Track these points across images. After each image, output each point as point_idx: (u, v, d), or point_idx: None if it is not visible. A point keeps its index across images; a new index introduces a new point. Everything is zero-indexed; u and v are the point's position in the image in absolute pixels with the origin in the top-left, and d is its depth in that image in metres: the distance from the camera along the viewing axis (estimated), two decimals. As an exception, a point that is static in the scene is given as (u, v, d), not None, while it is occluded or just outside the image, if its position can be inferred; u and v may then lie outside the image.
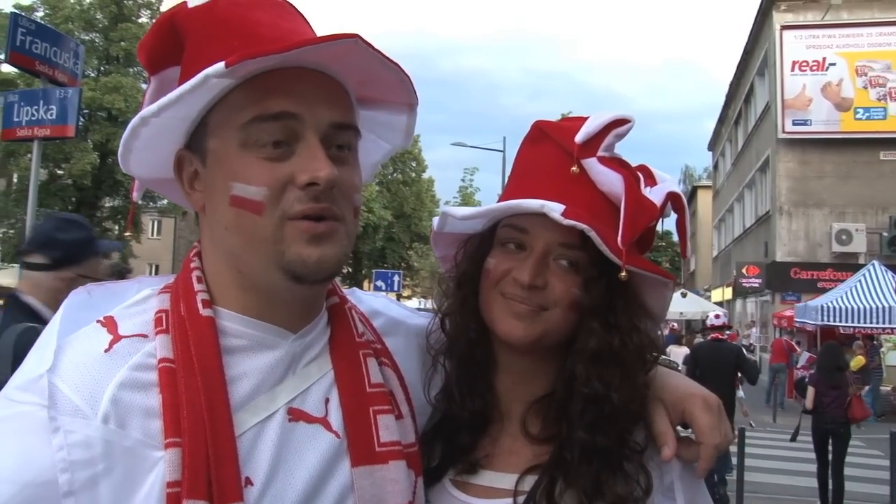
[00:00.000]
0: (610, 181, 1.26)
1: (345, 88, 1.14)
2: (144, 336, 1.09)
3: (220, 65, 0.99)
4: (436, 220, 1.48)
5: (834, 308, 17.20)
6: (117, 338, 1.07)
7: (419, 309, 1.60)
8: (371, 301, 1.43)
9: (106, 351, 1.05)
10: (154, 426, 1.01)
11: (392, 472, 1.13)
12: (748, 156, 31.16)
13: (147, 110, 1.06)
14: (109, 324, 1.10)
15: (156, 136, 1.11)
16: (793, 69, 24.69)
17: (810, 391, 9.17)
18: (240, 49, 1.03)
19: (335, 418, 1.15)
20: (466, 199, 41.99)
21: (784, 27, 25.00)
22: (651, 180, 1.34)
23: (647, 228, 1.33)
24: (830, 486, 8.92)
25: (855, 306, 17.06)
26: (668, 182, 1.35)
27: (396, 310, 1.46)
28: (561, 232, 1.25)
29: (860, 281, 17.93)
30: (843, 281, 19.95)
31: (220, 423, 1.03)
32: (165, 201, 34.51)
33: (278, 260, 1.06)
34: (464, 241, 1.44)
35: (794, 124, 24.50)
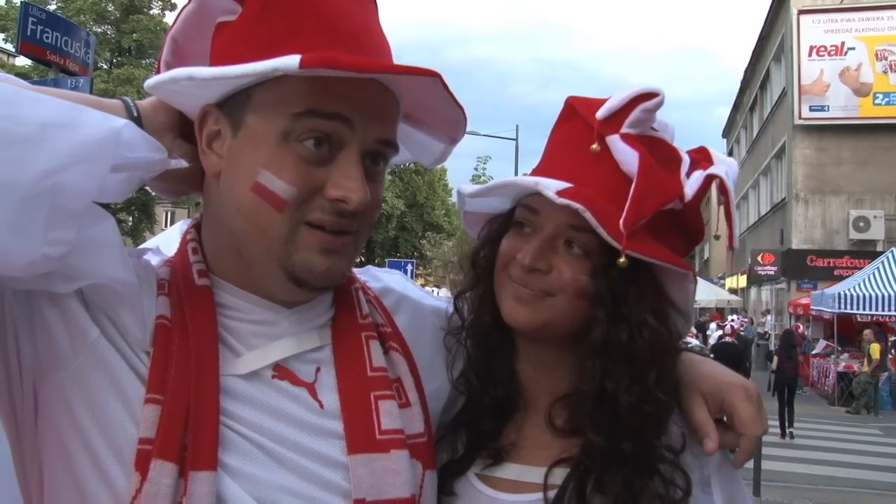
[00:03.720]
0: (629, 160, 1.18)
1: (398, 104, 1.11)
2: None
3: (295, 63, 0.93)
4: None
5: (851, 296, 17.08)
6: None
7: None
8: (386, 278, 1.38)
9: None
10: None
11: (393, 462, 1.07)
12: (763, 143, 30.86)
13: (200, 73, 1.01)
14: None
15: (190, 89, 1.06)
16: (810, 54, 24.38)
17: (775, 359, 15.12)
18: (311, 35, 1.02)
19: (325, 391, 1.11)
20: (479, 188, 41.57)
21: (801, 11, 24.67)
22: (707, 163, 1.26)
23: (690, 218, 1.25)
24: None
25: (873, 294, 16.94)
26: (722, 164, 1.26)
27: (412, 289, 1.41)
28: (571, 214, 1.17)
29: (878, 268, 17.79)
30: (860, 268, 19.80)
31: (207, 388, 1.01)
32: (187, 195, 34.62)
33: (284, 260, 1.04)
34: (488, 220, 1.38)
35: (811, 110, 24.24)
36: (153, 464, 0.95)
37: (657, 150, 1.22)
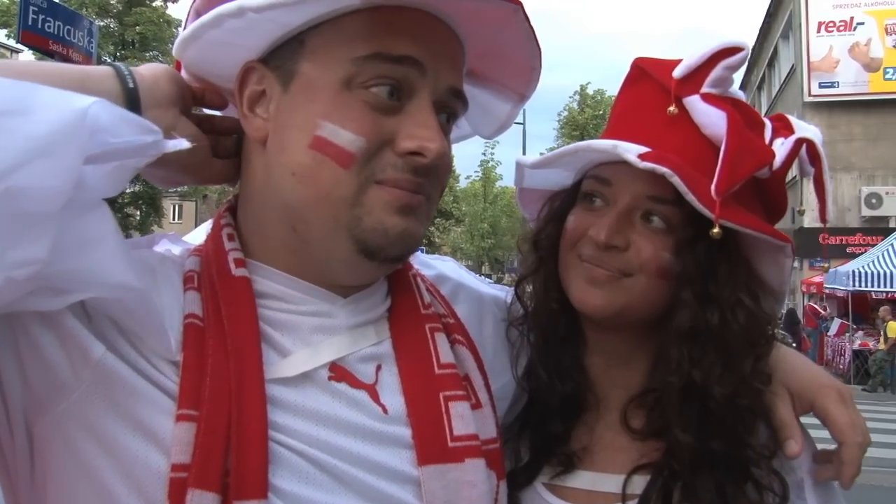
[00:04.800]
0: (713, 122, 1.06)
1: (464, 53, 0.98)
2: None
3: None
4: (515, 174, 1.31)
5: (865, 273, 16.91)
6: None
7: None
8: (439, 265, 1.24)
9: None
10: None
11: (469, 474, 0.93)
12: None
13: (249, 2, 0.86)
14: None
15: (236, 35, 0.92)
16: (819, 30, 24.04)
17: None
18: None
19: (388, 393, 0.96)
20: (487, 172, 41.69)
21: (809, -13, 24.32)
22: (787, 131, 1.14)
23: (774, 188, 1.13)
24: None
25: (887, 271, 16.77)
26: (806, 131, 1.14)
27: (467, 276, 1.28)
28: (650, 183, 1.05)
29: (892, 245, 17.62)
30: (873, 245, 19.64)
31: (251, 397, 0.86)
32: (186, 186, 34.61)
33: (353, 227, 0.90)
34: (549, 197, 1.25)
35: (820, 87, 23.92)
36: (190, 495, 0.79)
37: (742, 112, 1.10)
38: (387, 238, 0.91)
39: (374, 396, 0.95)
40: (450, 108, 0.97)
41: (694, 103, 1.08)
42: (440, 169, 0.94)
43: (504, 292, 1.28)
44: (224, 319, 0.90)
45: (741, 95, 1.16)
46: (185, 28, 1.02)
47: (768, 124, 1.15)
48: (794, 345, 14.58)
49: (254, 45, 0.95)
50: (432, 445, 0.93)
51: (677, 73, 1.10)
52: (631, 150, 1.04)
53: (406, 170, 0.90)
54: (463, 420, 0.96)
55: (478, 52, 1.00)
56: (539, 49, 0.98)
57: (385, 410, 0.95)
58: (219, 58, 0.97)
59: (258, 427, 0.84)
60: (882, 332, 17.00)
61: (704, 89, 1.09)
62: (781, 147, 1.11)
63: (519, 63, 1.02)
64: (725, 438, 1.04)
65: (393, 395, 0.96)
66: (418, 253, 1.24)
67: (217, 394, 0.84)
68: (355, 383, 0.95)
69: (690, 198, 1.02)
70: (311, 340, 0.95)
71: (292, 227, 0.94)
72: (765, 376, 1.08)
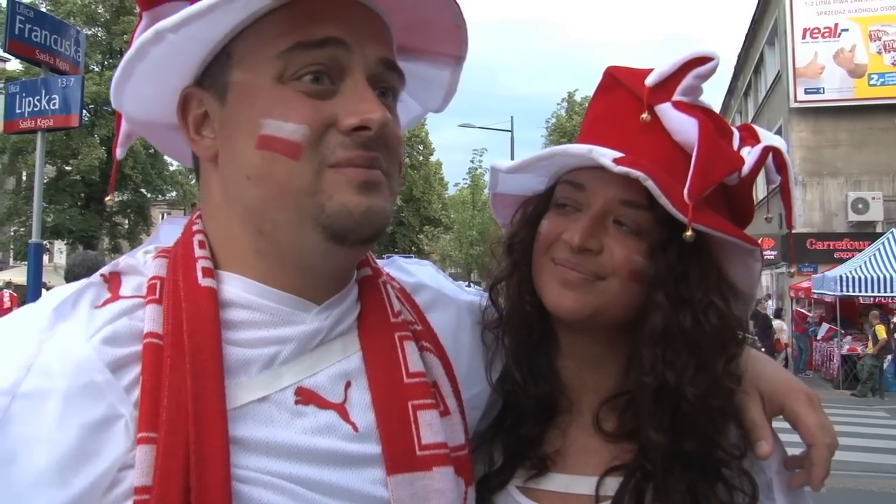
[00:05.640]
0: (685, 129, 1.09)
1: (389, 29, 0.99)
2: (142, 297, 0.93)
3: None
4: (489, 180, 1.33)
5: (852, 278, 17.01)
6: (115, 297, 0.92)
7: None
8: (417, 272, 1.23)
9: (96, 307, 0.90)
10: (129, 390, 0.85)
11: (437, 482, 0.93)
12: (759, 127, 30.77)
13: (164, 23, 0.86)
14: (113, 281, 0.95)
15: (163, 63, 0.92)
16: (804, 37, 24.24)
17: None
18: None
19: (357, 410, 0.96)
20: (475, 180, 41.81)
21: (794, -6, 24.53)
22: (754, 140, 1.17)
23: (742, 195, 1.15)
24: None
25: (874, 275, 16.89)
26: (772, 139, 1.17)
27: (446, 284, 1.27)
28: (623, 188, 1.07)
29: (879, 250, 17.75)
30: (860, 250, 19.80)
31: (210, 416, 0.84)
32: (174, 193, 34.50)
33: (317, 214, 0.90)
34: (522, 202, 1.27)
35: (806, 93, 24.11)
36: None
37: (713, 120, 1.12)
38: (353, 219, 0.90)
39: (344, 415, 0.95)
40: (385, 82, 0.96)
41: (666, 111, 1.11)
42: (389, 140, 0.94)
43: (479, 296, 1.29)
44: (185, 334, 0.88)
45: (710, 106, 1.18)
46: None
47: (736, 133, 1.18)
48: (762, 349, 14.74)
49: (183, 70, 0.95)
50: (400, 455, 0.93)
51: (649, 81, 1.12)
52: (606, 155, 1.06)
53: (355, 146, 0.90)
54: (431, 428, 0.96)
55: (402, 26, 1.01)
56: (458, 5, 0.98)
57: (355, 428, 0.94)
58: (154, 95, 0.97)
59: (218, 445, 0.83)
60: (871, 336, 17.10)
61: (676, 97, 1.11)
62: (749, 155, 1.14)
63: (443, 25, 1.02)
64: (697, 439, 1.06)
65: (363, 412, 0.96)
66: (397, 258, 1.26)
67: (174, 414, 0.83)
68: (323, 404, 0.94)
69: (664, 201, 1.03)
70: (272, 363, 0.93)
71: (258, 231, 0.94)
72: (735, 377, 1.10)
